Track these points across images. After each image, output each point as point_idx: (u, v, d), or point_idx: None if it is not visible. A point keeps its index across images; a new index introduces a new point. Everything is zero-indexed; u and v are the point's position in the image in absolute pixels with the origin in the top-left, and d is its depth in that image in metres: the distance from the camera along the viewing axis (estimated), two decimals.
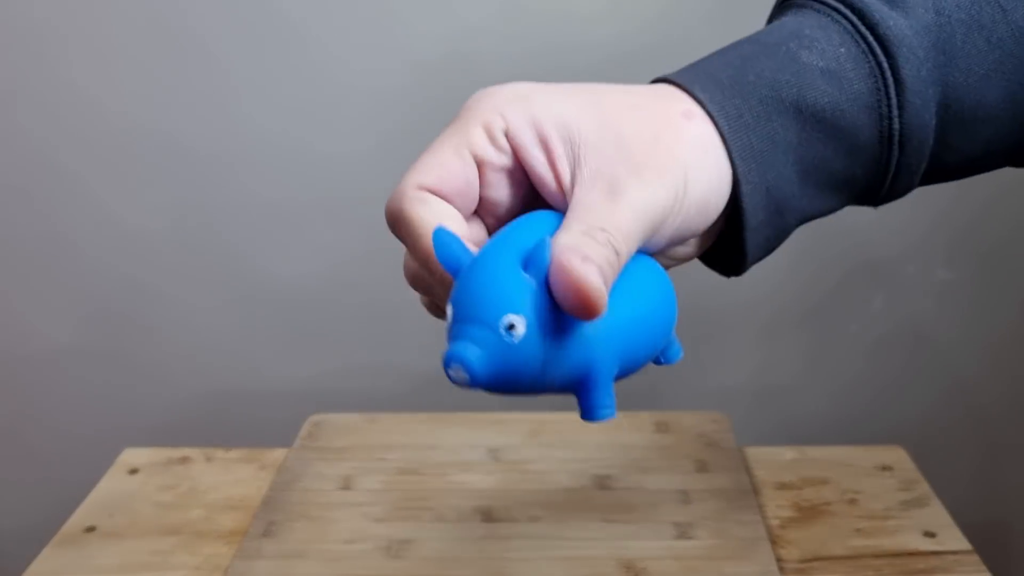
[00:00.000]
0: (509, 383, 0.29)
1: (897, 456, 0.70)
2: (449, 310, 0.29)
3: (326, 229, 0.85)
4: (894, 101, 0.34)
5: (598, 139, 0.32)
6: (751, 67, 0.34)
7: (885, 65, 0.34)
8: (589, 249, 0.28)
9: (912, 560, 0.58)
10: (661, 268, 0.34)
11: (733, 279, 0.40)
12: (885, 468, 0.68)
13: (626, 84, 0.36)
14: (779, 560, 0.58)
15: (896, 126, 0.34)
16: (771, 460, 0.69)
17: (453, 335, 0.28)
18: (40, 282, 0.88)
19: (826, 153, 0.34)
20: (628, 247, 0.30)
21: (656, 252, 0.34)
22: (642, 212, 0.31)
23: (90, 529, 0.64)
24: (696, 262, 0.40)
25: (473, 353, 0.28)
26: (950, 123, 0.35)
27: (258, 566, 0.58)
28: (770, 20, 0.38)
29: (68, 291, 0.88)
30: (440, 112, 0.82)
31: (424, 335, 0.90)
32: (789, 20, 0.36)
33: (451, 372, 0.28)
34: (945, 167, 0.37)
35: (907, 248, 0.86)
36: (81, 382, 0.92)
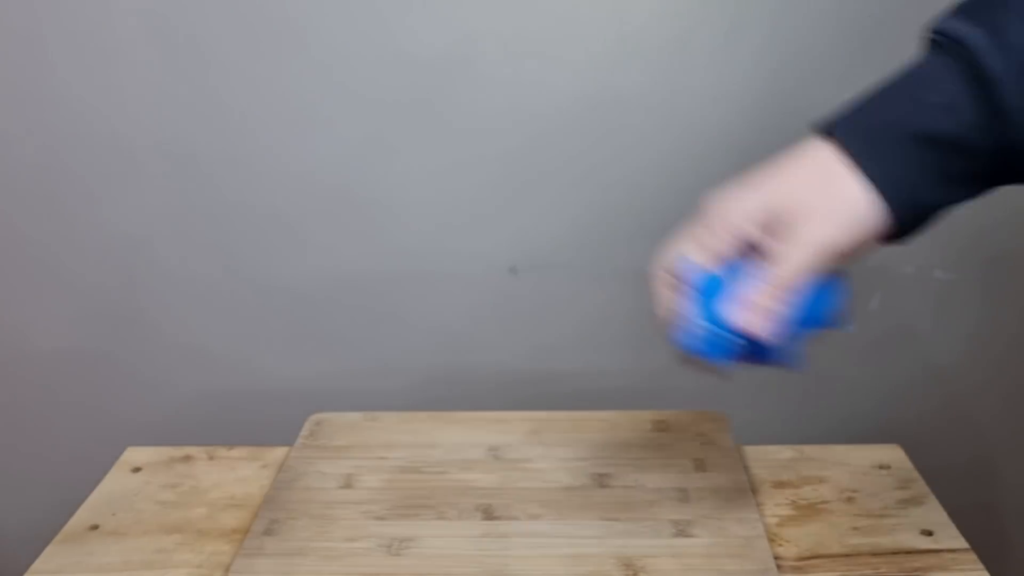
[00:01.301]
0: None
1: (894, 455, 0.70)
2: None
3: (328, 230, 0.85)
4: (1005, 124, 0.44)
5: (788, 210, 0.47)
6: (887, 113, 0.47)
7: (994, 100, 0.44)
8: (761, 299, 0.47)
9: (909, 558, 0.59)
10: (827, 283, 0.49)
11: None
12: (882, 467, 0.69)
13: (782, 152, 0.50)
14: (777, 558, 0.59)
15: (1007, 139, 0.44)
16: (769, 459, 0.70)
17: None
18: (43, 282, 0.88)
19: (962, 163, 0.46)
20: (796, 277, 0.46)
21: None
22: (812, 247, 0.46)
23: (93, 527, 0.65)
24: None
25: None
26: None
27: (260, 564, 0.58)
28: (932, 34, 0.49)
29: (70, 291, 0.88)
30: (439, 116, 0.82)
31: (424, 335, 0.90)
32: (924, 63, 0.47)
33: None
34: None
35: (905, 249, 0.86)
36: (84, 382, 0.92)
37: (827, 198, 0.47)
